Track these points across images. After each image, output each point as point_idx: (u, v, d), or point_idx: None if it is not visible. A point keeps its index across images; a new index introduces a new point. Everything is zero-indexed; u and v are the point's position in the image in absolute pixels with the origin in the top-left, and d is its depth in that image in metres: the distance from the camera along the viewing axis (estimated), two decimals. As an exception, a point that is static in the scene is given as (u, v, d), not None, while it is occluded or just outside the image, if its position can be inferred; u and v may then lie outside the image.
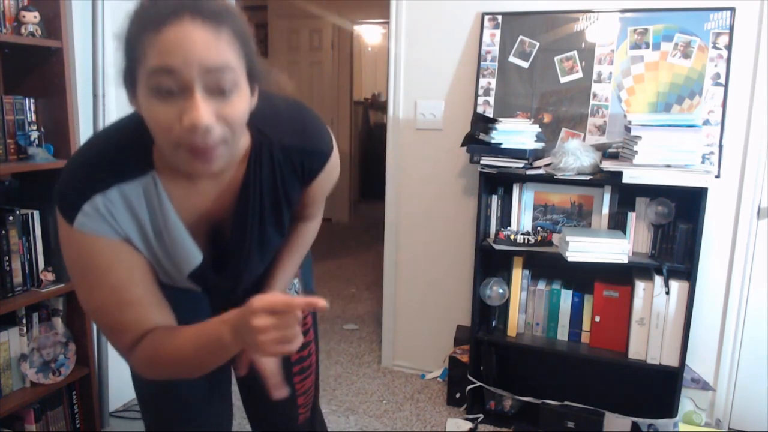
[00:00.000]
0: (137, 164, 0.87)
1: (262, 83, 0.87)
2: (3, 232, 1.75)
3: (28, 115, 1.83)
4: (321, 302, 0.76)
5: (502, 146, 2.11)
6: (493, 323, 2.32)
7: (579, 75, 2.24)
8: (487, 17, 2.36)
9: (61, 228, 0.88)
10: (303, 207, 1.09)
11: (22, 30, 1.76)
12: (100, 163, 0.87)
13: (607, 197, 2.17)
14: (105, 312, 0.90)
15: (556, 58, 2.27)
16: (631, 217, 2.10)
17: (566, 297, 2.22)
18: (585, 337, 2.22)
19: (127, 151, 0.87)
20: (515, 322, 2.29)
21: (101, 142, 0.91)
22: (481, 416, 2.34)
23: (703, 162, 2.08)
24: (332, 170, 1.05)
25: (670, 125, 1.97)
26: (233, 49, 0.77)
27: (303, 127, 0.98)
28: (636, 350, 2.11)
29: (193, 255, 0.95)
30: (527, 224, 2.30)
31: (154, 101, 0.75)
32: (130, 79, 0.79)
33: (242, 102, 0.79)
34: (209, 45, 0.74)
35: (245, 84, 0.80)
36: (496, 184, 2.28)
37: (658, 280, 2.04)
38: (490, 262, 2.34)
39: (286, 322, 0.77)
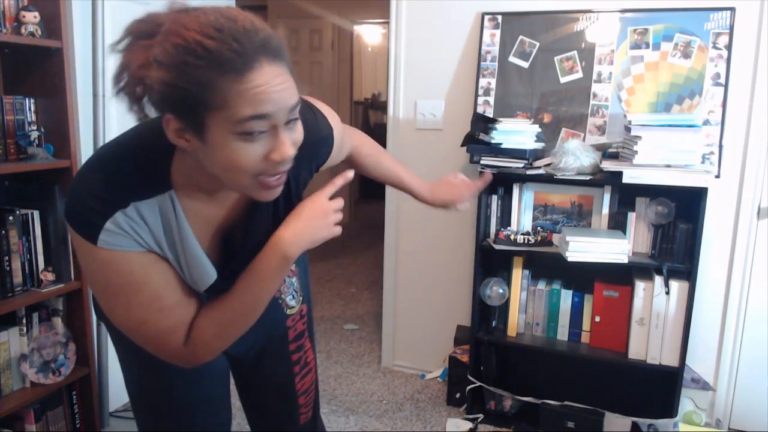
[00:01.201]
0: (156, 183, 0.86)
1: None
2: (3, 232, 1.75)
3: (28, 115, 1.83)
4: (349, 173, 0.93)
5: (502, 146, 2.11)
6: (493, 323, 2.32)
7: (579, 75, 2.24)
8: (487, 17, 2.36)
9: (82, 248, 0.84)
10: (332, 162, 1.14)
11: (22, 30, 1.76)
12: (119, 180, 0.84)
13: (607, 197, 2.17)
14: (148, 322, 0.89)
15: (556, 58, 2.27)
16: (631, 217, 2.10)
17: (566, 297, 2.22)
18: (585, 337, 2.22)
19: (145, 171, 0.85)
20: (515, 322, 2.29)
21: (115, 160, 0.87)
22: (481, 416, 2.34)
23: (703, 162, 2.08)
24: (338, 143, 1.10)
25: (670, 125, 1.97)
26: (294, 78, 0.79)
27: (304, 119, 1.00)
28: (636, 350, 2.11)
29: (209, 273, 0.95)
30: (527, 224, 2.30)
31: (240, 144, 0.76)
32: (192, 124, 0.76)
33: (300, 125, 0.83)
34: (288, 85, 0.77)
35: None
36: (496, 184, 2.28)
37: (658, 280, 2.04)
38: (490, 262, 2.34)
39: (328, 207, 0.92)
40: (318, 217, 0.93)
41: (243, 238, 0.98)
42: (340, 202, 0.95)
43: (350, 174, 0.99)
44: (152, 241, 0.87)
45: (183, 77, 0.72)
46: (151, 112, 0.82)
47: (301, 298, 1.30)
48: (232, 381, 1.29)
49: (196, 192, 0.89)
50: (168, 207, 0.87)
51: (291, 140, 0.80)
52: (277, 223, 0.96)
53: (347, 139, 1.24)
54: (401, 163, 1.44)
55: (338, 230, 0.95)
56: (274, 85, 0.74)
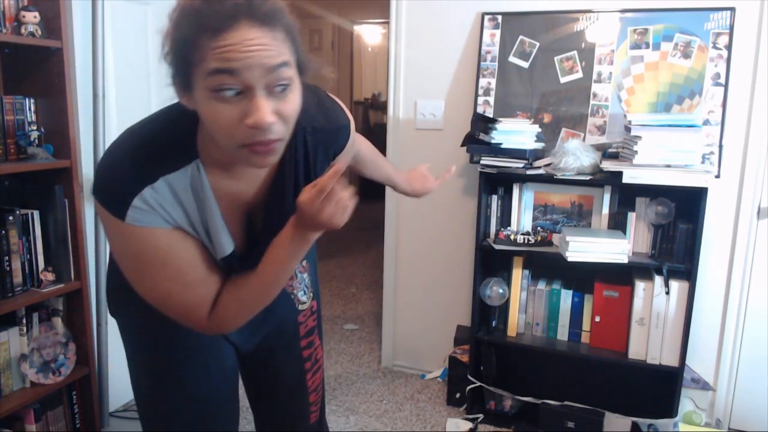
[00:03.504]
0: (183, 153, 0.88)
1: (309, 76, 0.89)
2: (3, 232, 1.75)
3: (28, 115, 1.83)
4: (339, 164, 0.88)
5: (502, 146, 2.11)
6: (493, 323, 2.32)
7: (579, 75, 2.24)
8: (487, 17, 2.36)
9: (110, 223, 0.87)
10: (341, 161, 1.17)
11: (22, 30, 1.76)
12: (147, 155, 0.86)
13: (607, 197, 2.17)
14: (174, 296, 0.92)
15: (556, 58, 2.27)
16: (631, 217, 2.10)
17: (566, 297, 2.22)
18: (585, 337, 2.22)
19: (172, 141, 0.88)
20: (515, 322, 2.29)
21: (144, 134, 0.90)
22: (481, 416, 2.34)
23: (703, 162, 2.08)
24: (353, 139, 1.14)
25: (670, 125, 1.97)
26: (287, 47, 0.80)
27: (324, 107, 1.04)
28: (636, 350, 2.11)
29: (226, 243, 0.97)
30: (527, 224, 2.30)
31: (215, 102, 0.77)
32: (183, 80, 0.80)
33: (296, 97, 0.83)
34: (267, 47, 0.76)
35: (297, 79, 0.83)
36: (496, 184, 2.28)
37: (658, 280, 2.04)
38: (490, 262, 2.34)
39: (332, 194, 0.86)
40: (317, 216, 0.94)
41: (265, 221, 1.01)
42: (350, 191, 0.96)
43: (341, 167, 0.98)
44: (181, 216, 0.90)
45: (175, 35, 0.78)
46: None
47: (311, 294, 1.31)
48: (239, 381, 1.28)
49: (214, 167, 0.91)
50: (196, 177, 0.89)
51: (273, 108, 0.78)
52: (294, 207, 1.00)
53: (357, 140, 1.26)
54: (388, 161, 1.51)
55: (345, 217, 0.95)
56: (247, 45, 0.75)
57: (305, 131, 0.99)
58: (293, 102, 0.82)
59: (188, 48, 0.76)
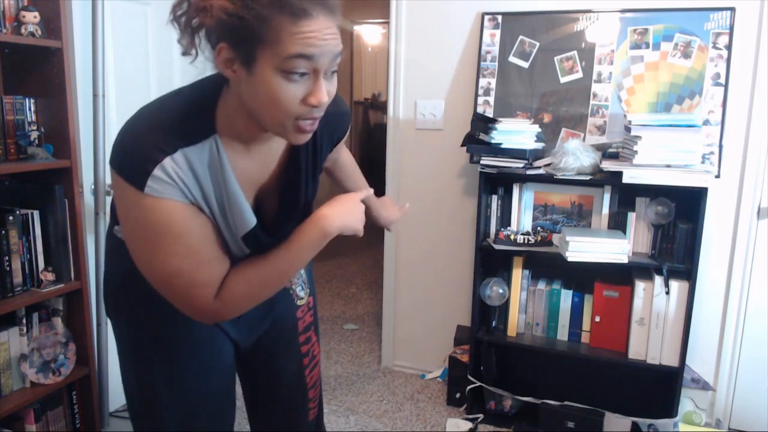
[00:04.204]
0: (201, 127, 0.90)
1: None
2: (3, 232, 1.75)
3: (28, 115, 1.83)
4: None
5: (502, 146, 2.11)
6: (493, 323, 2.32)
7: (579, 75, 2.24)
8: (487, 17, 2.36)
9: (127, 195, 0.87)
10: (330, 158, 1.21)
11: (22, 30, 1.76)
12: (165, 127, 0.88)
13: (607, 197, 2.17)
14: (183, 273, 0.91)
15: (556, 58, 2.27)
16: (631, 217, 2.10)
17: (566, 297, 2.22)
18: (585, 337, 2.22)
19: (189, 116, 0.90)
20: (515, 322, 2.29)
21: (162, 108, 0.92)
22: (481, 416, 2.34)
23: (703, 162, 2.08)
24: (348, 132, 1.19)
25: (670, 125, 1.97)
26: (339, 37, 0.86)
27: None
28: (636, 350, 2.11)
29: (249, 217, 0.99)
30: (527, 224, 2.30)
31: (281, 80, 0.81)
32: (245, 54, 0.81)
33: (336, 80, 0.90)
34: (336, 37, 0.83)
35: None
36: (496, 184, 2.28)
37: (658, 280, 2.04)
38: (490, 262, 2.34)
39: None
40: (354, 210, 1.03)
41: (279, 203, 1.04)
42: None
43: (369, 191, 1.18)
44: (198, 192, 0.91)
45: (246, 9, 0.78)
46: (198, 45, 0.87)
47: (308, 290, 1.31)
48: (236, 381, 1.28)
49: (235, 142, 0.93)
50: (214, 153, 0.91)
51: (328, 89, 0.86)
52: (306, 189, 1.06)
53: (343, 146, 1.30)
54: (362, 178, 1.49)
55: (362, 227, 1.05)
56: (324, 34, 0.81)
57: None
58: (335, 85, 0.89)
59: (263, 26, 0.78)
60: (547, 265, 2.30)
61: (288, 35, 0.79)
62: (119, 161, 0.87)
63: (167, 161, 0.85)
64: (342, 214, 1.01)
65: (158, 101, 0.95)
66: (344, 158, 1.37)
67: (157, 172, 0.84)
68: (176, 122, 0.88)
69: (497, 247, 2.19)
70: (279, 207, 1.05)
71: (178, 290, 0.93)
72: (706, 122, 2.08)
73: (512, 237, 2.17)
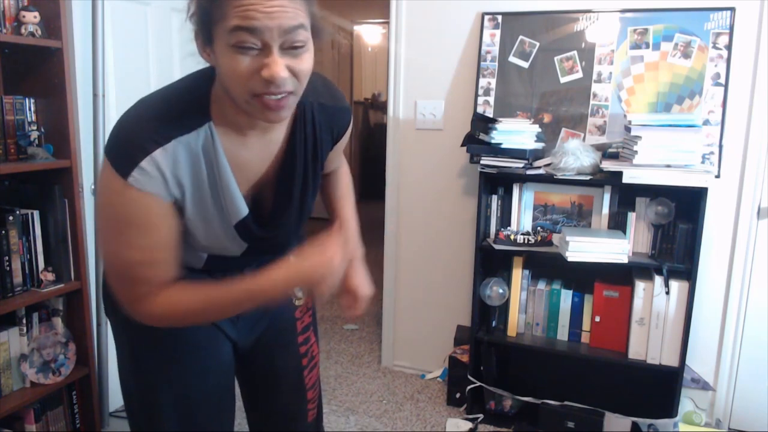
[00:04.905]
0: (196, 116, 0.91)
1: (322, 39, 0.93)
2: (3, 232, 1.75)
3: (28, 115, 1.83)
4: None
5: (502, 146, 2.11)
6: (493, 323, 2.32)
7: (579, 75, 2.24)
8: (487, 17, 2.36)
9: (111, 180, 0.88)
10: (330, 162, 1.19)
11: (22, 30, 1.76)
12: (160, 117, 0.90)
13: (607, 197, 2.17)
14: (134, 266, 0.93)
15: (556, 58, 2.27)
16: (631, 217, 2.10)
17: (566, 297, 2.22)
18: (585, 337, 2.22)
19: (185, 104, 0.92)
20: (515, 322, 2.29)
21: (157, 99, 0.94)
22: (481, 416, 2.34)
23: (703, 162, 2.08)
24: (349, 132, 1.17)
25: (670, 125, 1.97)
26: (303, 10, 0.85)
27: (329, 86, 1.10)
28: (636, 350, 2.11)
29: (241, 206, 0.99)
30: (527, 224, 2.30)
31: (234, 55, 0.82)
32: (205, 34, 0.85)
33: (309, 57, 0.88)
34: (286, 10, 0.81)
35: (311, 41, 0.88)
36: (496, 184, 2.28)
37: (658, 280, 2.04)
38: (490, 262, 2.34)
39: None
40: (334, 274, 0.95)
41: (274, 194, 1.04)
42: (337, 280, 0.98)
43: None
44: (188, 180, 0.92)
45: None
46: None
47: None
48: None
49: (231, 131, 0.94)
50: (209, 140, 0.92)
51: (287, 65, 0.84)
52: (305, 181, 1.05)
53: (344, 145, 1.25)
54: (352, 205, 1.38)
55: (326, 295, 0.97)
56: (266, 6, 0.80)
57: (312, 106, 1.03)
58: (306, 61, 0.87)
59: (213, 4, 0.82)
60: (547, 265, 2.30)
61: (231, 9, 0.80)
62: (110, 147, 0.89)
63: (158, 152, 0.87)
64: (309, 273, 0.95)
65: (155, 93, 0.96)
66: (341, 173, 1.32)
67: (144, 163, 0.86)
68: (171, 112, 0.91)
69: (497, 247, 2.19)
70: (274, 199, 1.04)
71: (123, 279, 0.96)
72: (706, 122, 2.08)
73: (512, 237, 2.17)
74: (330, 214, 1.34)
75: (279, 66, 0.82)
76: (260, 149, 1.00)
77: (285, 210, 1.05)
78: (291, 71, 0.85)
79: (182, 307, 0.96)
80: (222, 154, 0.94)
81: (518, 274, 2.25)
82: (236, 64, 0.82)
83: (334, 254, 0.95)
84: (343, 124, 1.13)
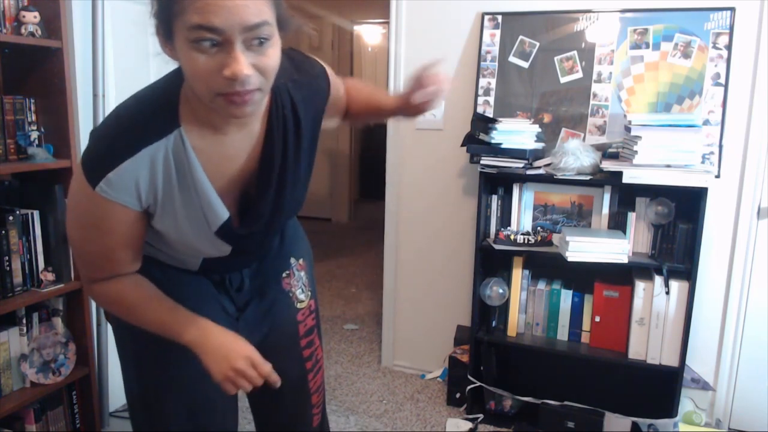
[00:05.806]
0: (164, 123, 0.90)
1: (289, 32, 0.90)
2: (3, 232, 1.75)
3: (28, 115, 1.83)
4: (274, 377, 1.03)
5: (502, 146, 2.11)
6: (493, 323, 2.32)
7: (579, 75, 2.24)
8: (487, 17, 2.36)
9: (81, 185, 0.91)
10: (335, 108, 1.17)
11: (22, 30, 1.76)
12: (130, 126, 0.90)
13: (607, 197, 2.17)
14: (92, 257, 1.00)
15: (556, 58, 2.27)
16: (631, 217, 2.10)
17: (566, 297, 2.22)
18: (585, 337, 2.22)
19: (153, 113, 0.91)
20: (515, 322, 2.29)
21: (126, 109, 0.94)
22: (481, 416, 2.34)
23: (703, 162, 2.08)
24: (334, 80, 1.13)
25: (670, 125, 1.97)
26: (267, 4, 0.81)
27: (295, 60, 1.06)
28: (636, 350, 2.11)
29: (219, 210, 0.98)
30: (527, 224, 2.30)
31: (194, 53, 0.79)
32: (164, 30, 0.83)
33: (275, 52, 0.85)
34: (247, 6, 0.78)
35: (277, 35, 0.85)
36: (496, 184, 2.28)
37: (658, 280, 2.04)
38: (490, 262, 2.34)
39: (253, 379, 1.00)
40: (223, 360, 1.00)
41: (258, 189, 1.01)
42: (246, 379, 1.01)
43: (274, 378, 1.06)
44: (159, 186, 0.92)
45: None
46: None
47: (309, 293, 1.29)
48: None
49: (205, 130, 0.92)
50: (179, 146, 0.91)
51: (252, 62, 0.81)
52: (292, 171, 1.03)
53: (340, 83, 1.20)
54: (382, 91, 1.36)
55: (221, 383, 1.01)
56: (225, 2, 0.76)
57: (287, 87, 1.00)
58: (272, 56, 0.84)
59: (169, 0, 0.79)
60: (547, 265, 2.30)
61: (189, 4, 0.77)
62: (83, 158, 0.91)
63: (127, 163, 0.88)
64: (212, 352, 1.00)
65: (129, 99, 0.96)
66: (349, 87, 1.24)
67: (111, 176, 0.88)
68: (140, 120, 0.90)
69: (497, 247, 2.19)
70: (257, 191, 1.01)
71: (83, 261, 1.03)
72: (706, 122, 2.08)
73: (512, 237, 2.17)
74: (380, 111, 1.27)
75: (241, 64, 0.79)
76: (241, 144, 0.97)
77: (267, 199, 1.02)
78: (256, 68, 0.81)
79: (124, 302, 1.03)
80: (194, 158, 0.92)
81: (518, 274, 2.25)
82: (196, 61, 0.79)
83: (243, 349, 1.01)
84: (321, 93, 1.08)
